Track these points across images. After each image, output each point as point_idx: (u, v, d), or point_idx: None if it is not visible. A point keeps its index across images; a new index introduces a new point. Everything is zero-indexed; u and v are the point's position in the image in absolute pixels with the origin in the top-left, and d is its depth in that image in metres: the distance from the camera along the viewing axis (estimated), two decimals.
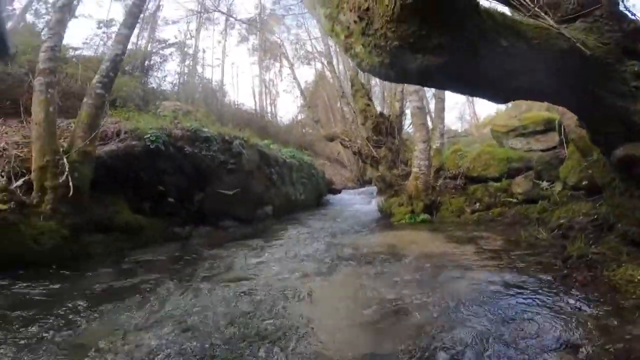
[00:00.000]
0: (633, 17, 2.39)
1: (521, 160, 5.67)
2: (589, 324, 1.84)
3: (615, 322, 1.82)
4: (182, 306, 2.65)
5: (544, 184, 4.92)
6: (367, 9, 1.70)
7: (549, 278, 2.64)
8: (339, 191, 15.66)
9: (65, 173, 4.27)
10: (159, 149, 6.00)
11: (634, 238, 2.42)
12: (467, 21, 1.54)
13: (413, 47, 1.48)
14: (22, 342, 2.07)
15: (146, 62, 17.16)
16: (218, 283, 3.25)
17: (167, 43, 18.91)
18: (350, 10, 1.82)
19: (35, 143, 4.55)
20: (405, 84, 8.70)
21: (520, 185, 5.40)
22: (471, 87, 1.98)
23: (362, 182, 19.32)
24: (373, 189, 12.71)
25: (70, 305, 2.67)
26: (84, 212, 4.55)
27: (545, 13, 2.40)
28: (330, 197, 13.97)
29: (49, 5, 14.25)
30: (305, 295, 2.80)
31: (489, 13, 1.75)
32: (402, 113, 9.16)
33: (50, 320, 2.39)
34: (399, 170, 7.83)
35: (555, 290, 2.39)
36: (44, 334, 2.18)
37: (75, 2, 13.15)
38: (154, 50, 17.80)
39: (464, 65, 1.65)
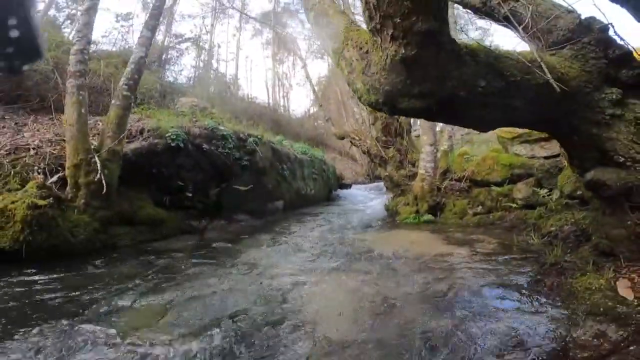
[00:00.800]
0: (621, 42, 2.52)
1: (523, 167, 5.84)
2: (543, 326, 2.13)
3: (566, 325, 2.11)
4: (207, 290, 3.06)
5: (543, 191, 5.10)
6: (367, 51, 1.98)
7: (523, 282, 2.92)
8: (349, 186, 15.94)
9: (98, 171, 4.70)
10: (179, 147, 6.42)
11: (604, 249, 2.65)
12: (450, 72, 1.80)
13: (400, 92, 1.75)
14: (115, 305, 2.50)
15: (163, 56, 17.67)
16: (233, 274, 3.64)
17: (184, 37, 19.36)
18: (353, 48, 2.10)
19: (69, 142, 4.99)
20: None
21: (521, 191, 5.58)
22: (454, 121, 2.24)
23: (373, 177, 19.53)
24: (383, 184, 12.97)
25: (130, 284, 3.18)
26: (112, 206, 5.00)
27: (538, 38, 2.62)
28: (340, 192, 14.28)
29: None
30: (311, 288, 3.15)
31: (474, 52, 1.99)
32: None
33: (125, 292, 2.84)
34: (406, 170, 8.07)
35: (526, 293, 2.68)
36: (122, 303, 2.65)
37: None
38: (170, 45, 18.26)
39: (444, 108, 1.91)
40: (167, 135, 6.36)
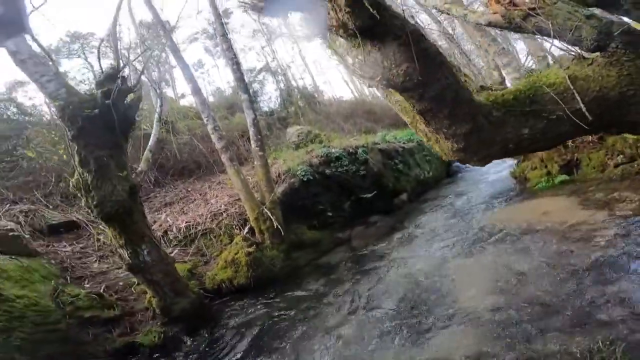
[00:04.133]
0: None
1: None
2: None
3: None
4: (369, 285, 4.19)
5: None
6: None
7: None
8: None
9: (271, 219, 6.49)
10: (309, 179, 7.97)
11: None
12: (495, 137, 2.27)
13: (466, 159, 2.40)
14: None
15: (251, 91, 20.57)
16: (385, 268, 4.70)
17: (257, 69, 22.16)
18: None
19: (245, 203, 6.99)
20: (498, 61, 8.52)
21: None
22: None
23: None
24: None
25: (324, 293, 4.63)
26: (285, 239, 6.75)
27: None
28: (458, 165, 14.00)
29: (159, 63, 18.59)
30: (450, 271, 3.92)
31: (508, 105, 2.29)
32: (503, 80, 8.76)
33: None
34: None
35: None
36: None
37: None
38: (250, 80, 21.06)
39: (506, 154, 2.40)
40: (297, 173, 7.98)
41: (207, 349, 3.83)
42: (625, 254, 3.10)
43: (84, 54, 15.85)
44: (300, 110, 20.17)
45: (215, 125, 7.55)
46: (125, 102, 3.85)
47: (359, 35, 1.73)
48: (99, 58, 4.04)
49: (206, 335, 4.06)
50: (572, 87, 2.07)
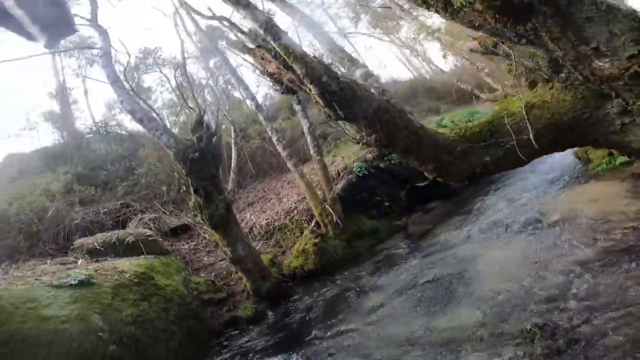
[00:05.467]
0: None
1: None
2: None
3: None
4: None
5: None
6: None
7: None
8: None
9: (331, 214, 7.61)
10: (364, 174, 8.83)
11: None
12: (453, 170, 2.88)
13: None
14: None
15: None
16: (434, 250, 5.42)
17: None
18: None
19: (310, 201, 8.22)
20: None
21: None
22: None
23: None
24: None
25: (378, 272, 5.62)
26: (346, 230, 7.82)
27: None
28: None
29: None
30: (484, 258, 4.50)
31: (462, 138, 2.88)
32: None
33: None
34: None
35: None
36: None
37: None
38: None
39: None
40: (353, 169, 8.91)
41: (285, 318, 5.19)
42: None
43: (158, 67, 18.50)
44: None
45: (278, 137, 8.90)
46: (213, 141, 5.32)
47: (339, 121, 2.63)
48: (181, 94, 5.60)
49: (284, 309, 5.43)
50: (526, 117, 2.55)
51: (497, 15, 1.92)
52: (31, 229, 7.78)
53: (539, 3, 1.81)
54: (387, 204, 8.72)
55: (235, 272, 6.12)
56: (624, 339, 2.45)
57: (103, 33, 7.26)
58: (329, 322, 4.63)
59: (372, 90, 3.19)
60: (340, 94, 2.34)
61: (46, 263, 5.48)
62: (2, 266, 5.60)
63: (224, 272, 6.45)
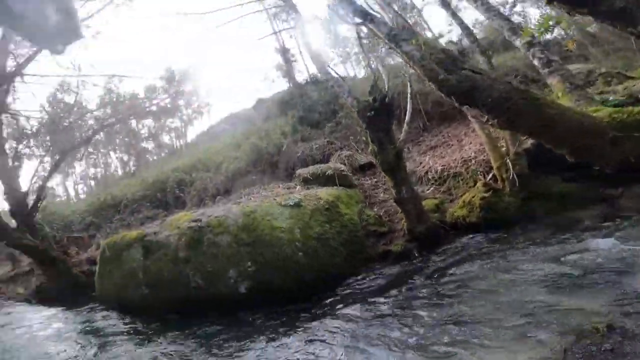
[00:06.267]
0: None
1: None
2: None
3: None
4: None
5: None
6: None
7: None
8: None
9: (510, 170, 7.15)
10: None
11: None
12: None
13: None
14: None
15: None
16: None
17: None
18: None
19: (490, 152, 7.87)
20: None
21: None
22: None
23: None
24: None
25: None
26: (526, 188, 7.17)
27: None
28: None
29: None
30: None
31: None
32: None
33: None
34: None
35: None
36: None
37: None
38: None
39: None
40: None
41: (426, 261, 5.93)
42: None
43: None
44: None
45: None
46: (386, 101, 6.17)
47: None
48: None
49: (429, 253, 6.15)
50: None
51: None
52: (273, 159, 11.62)
53: None
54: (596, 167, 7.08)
55: (400, 212, 7.22)
56: None
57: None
58: (463, 279, 4.88)
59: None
60: (457, 87, 2.61)
61: (279, 187, 8.45)
62: (261, 187, 9.10)
63: (392, 210, 7.68)
